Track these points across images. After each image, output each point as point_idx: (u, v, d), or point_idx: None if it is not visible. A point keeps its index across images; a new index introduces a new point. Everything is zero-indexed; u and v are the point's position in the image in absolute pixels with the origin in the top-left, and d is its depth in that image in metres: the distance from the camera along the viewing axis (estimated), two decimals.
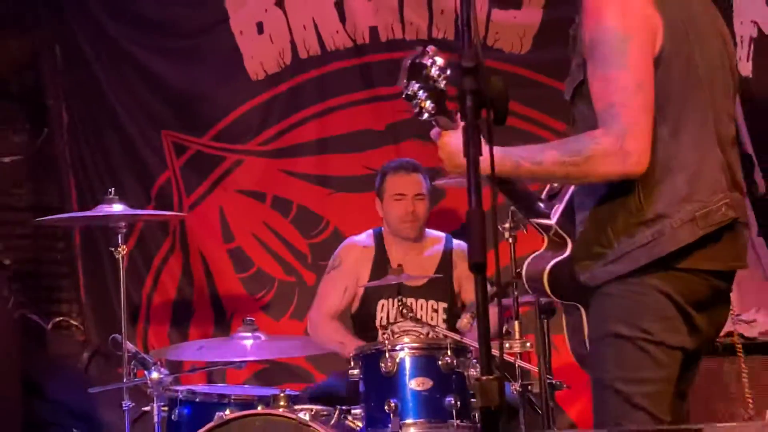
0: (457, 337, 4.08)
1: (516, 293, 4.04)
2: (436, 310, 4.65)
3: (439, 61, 2.48)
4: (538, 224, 2.85)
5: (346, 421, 3.97)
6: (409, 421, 3.83)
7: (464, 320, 4.25)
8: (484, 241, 1.86)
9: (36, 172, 5.76)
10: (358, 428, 3.96)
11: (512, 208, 4.16)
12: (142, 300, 5.56)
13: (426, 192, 4.70)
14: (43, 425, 5.17)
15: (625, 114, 2.51)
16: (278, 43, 5.51)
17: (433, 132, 2.69)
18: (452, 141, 2.61)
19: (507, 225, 4.15)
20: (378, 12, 5.42)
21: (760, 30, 4.75)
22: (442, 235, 4.81)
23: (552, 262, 2.75)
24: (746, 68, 4.83)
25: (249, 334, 4.10)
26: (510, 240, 4.16)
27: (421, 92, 2.52)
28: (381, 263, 4.67)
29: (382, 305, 4.64)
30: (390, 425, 3.81)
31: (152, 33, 5.64)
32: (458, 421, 3.80)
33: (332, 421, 3.93)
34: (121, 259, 4.36)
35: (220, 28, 5.54)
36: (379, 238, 4.77)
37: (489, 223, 1.93)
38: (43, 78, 5.73)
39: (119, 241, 4.37)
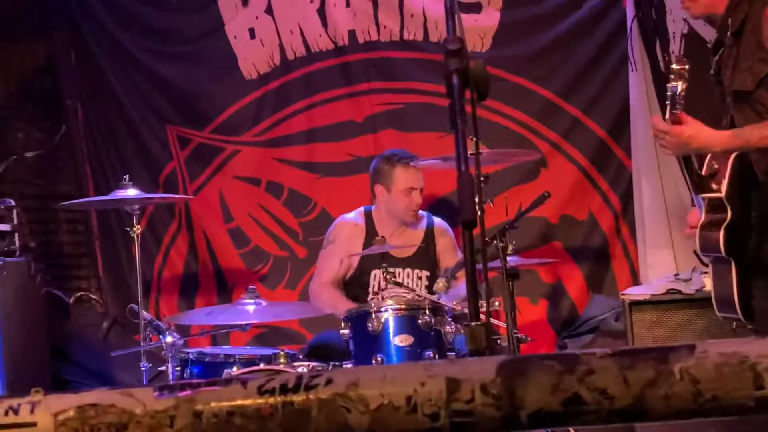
0: (434, 299, 4.07)
1: (485, 259, 4.02)
2: (420, 278, 4.65)
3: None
4: (705, 198, 3.04)
5: None
6: None
7: (440, 284, 4.23)
8: (474, 199, 1.83)
9: (56, 165, 5.69)
10: None
11: (481, 185, 4.14)
12: (153, 274, 5.52)
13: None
14: (69, 385, 5.12)
15: None
16: (268, 46, 5.46)
17: (662, 122, 3.01)
18: (688, 130, 2.93)
19: (476, 199, 4.13)
20: (355, 17, 5.38)
21: (690, 27, 4.74)
22: (423, 213, 4.79)
23: (724, 227, 2.95)
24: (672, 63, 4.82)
25: (252, 301, 4.07)
26: (479, 212, 4.13)
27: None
28: (371, 239, 4.62)
29: (375, 275, 4.62)
30: None
31: (156, 39, 5.58)
32: None
33: None
34: (136, 237, 4.31)
35: (217, 34, 5.48)
36: (368, 217, 4.74)
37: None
38: (60, 80, 5.66)
39: (134, 222, 4.32)
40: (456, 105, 1.93)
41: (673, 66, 2.97)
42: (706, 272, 4.02)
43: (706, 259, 3.06)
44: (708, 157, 3.03)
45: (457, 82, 1.95)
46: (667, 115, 2.99)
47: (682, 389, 1.02)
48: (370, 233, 4.67)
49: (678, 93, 2.93)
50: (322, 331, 4.69)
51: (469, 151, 4.40)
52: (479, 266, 3.93)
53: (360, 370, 1.10)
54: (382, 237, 4.30)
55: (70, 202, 4.62)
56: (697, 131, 2.92)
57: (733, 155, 2.97)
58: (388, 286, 4.14)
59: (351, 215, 4.79)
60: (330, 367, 3.98)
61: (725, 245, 2.93)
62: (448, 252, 4.67)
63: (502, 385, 1.03)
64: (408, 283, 4.49)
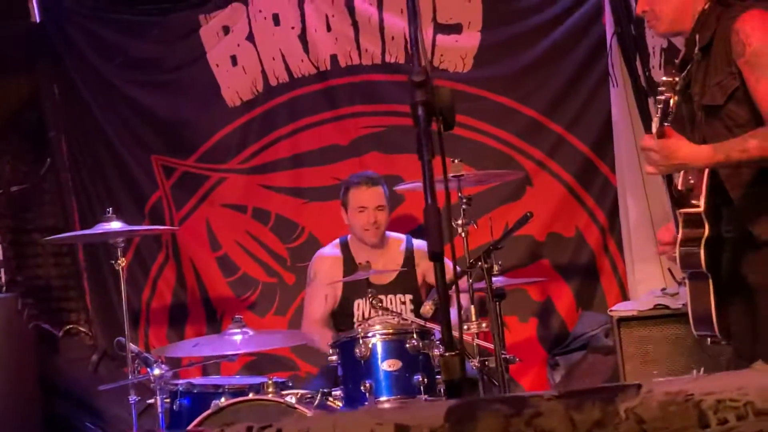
0: (421, 322, 4.07)
1: (471, 281, 4.03)
2: (404, 303, 4.64)
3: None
4: (682, 213, 3.03)
5: (328, 402, 3.95)
6: (383, 398, 3.83)
7: (426, 307, 4.23)
8: (441, 232, 1.84)
9: (42, 198, 5.69)
10: (338, 407, 3.94)
11: (463, 206, 4.17)
12: (141, 305, 5.51)
13: (386, 202, 4.68)
14: (60, 419, 5.10)
15: None
16: (251, 73, 5.47)
17: (649, 138, 2.99)
18: (673, 144, 2.92)
19: (460, 221, 4.14)
20: (337, 42, 5.40)
21: (669, 41, 4.76)
22: (403, 236, 4.80)
23: (703, 243, 2.96)
24: (659, 75, 4.85)
25: (238, 330, 4.05)
26: (463, 234, 4.16)
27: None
28: (350, 268, 4.65)
29: (358, 304, 4.64)
30: (366, 403, 3.79)
31: (139, 69, 5.58)
32: (426, 396, 3.80)
33: (315, 403, 3.91)
34: (120, 270, 4.30)
35: (199, 62, 5.50)
36: (345, 246, 4.76)
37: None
38: (44, 114, 5.66)
39: (118, 255, 4.32)
40: (422, 136, 1.94)
41: (664, 78, 2.98)
42: None
43: (683, 276, 3.05)
44: (683, 173, 3.03)
45: (423, 112, 1.96)
46: (655, 128, 2.99)
47: (627, 429, 1.02)
48: (348, 262, 4.69)
49: (669, 105, 2.94)
50: (318, 365, 4.69)
51: (452, 174, 4.43)
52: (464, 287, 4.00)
53: (311, 419, 1.10)
54: (367, 262, 4.30)
55: (53, 237, 4.62)
56: (680, 146, 2.93)
57: (707, 171, 2.99)
58: (379, 312, 4.13)
59: (327, 249, 4.82)
60: (319, 394, 3.98)
61: (706, 261, 2.93)
62: (432, 273, 4.64)
63: (451, 430, 1.03)
64: (369, 295, 4.45)
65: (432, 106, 1.99)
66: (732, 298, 2.99)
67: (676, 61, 3.22)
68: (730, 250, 2.99)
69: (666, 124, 2.94)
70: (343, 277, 4.62)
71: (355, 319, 4.61)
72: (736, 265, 2.99)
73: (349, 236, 4.76)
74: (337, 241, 4.79)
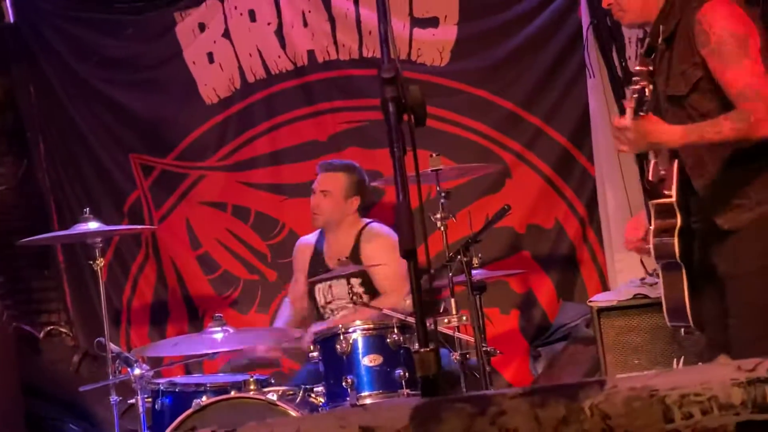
0: (401, 316, 4.05)
1: (450, 274, 4.03)
2: (351, 285, 4.62)
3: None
4: (654, 204, 3.04)
5: (310, 398, 3.95)
6: (365, 393, 3.84)
7: (408, 301, 4.24)
8: (413, 228, 1.83)
9: (20, 200, 5.65)
10: (320, 403, 3.94)
11: (442, 200, 4.17)
12: (122, 305, 5.49)
13: (335, 189, 4.69)
14: (42, 420, 5.08)
15: (764, 88, 2.90)
16: (228, 70, 5.45)
17: (623, 118, 2.99)
18: (648, 124, 2.94)
19: (438, 215, 4.14)
20: (314, 37, 5.38)
21: (645, 31, 4.76)
22: (365, 221, 4.79)
23: (677, 233, 2.96)
24: (635, 65, 4.85)
25: (219, 329, 4.05)
26: (442, 228, 4.15)
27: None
28: (315, 255, 4.80)
29: (319, 289, 4.71)
30: (348, 398, 3.79)
31: (115, 68, 5.55)
32: (408, 390, 3.81)
33: (297, 400, 3.91)
34: (99, 270, 4.29)
35: (175, 60, 5.47)
36: (321, 234, 4.84)
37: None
38: (20, 115, 5.62)
39: (97, 255, 4.30)
40: (393, 132, 1.93)
41: (638, 67, 2.99)
42: None
43: (656, 266, 3.06)
44: (653, 163, 3.04)
45: (393, 109, 1.95)
46: (629, 117, 2.99)
47: (592, 426, 1.01)
48: (316, 250, 4.81)
49: (645, 94, 2.95)
50: (301, 362, 4.73)
51: (430, 168, 4.42)
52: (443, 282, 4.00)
53: (274, 423, 1.10)
54: (346, 258, 4.32)
55: (29, 239, 4.57)
56: (654, 126, 2.93)
57: (676, 162, 2.99)
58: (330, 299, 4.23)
59: (306, 237, 4.95)
60: (301, 391, 3.97)
61: (679, 250, 2.94)
62: (380, 256, 4.54)
63: (415, 431, 1.03)
64: (348, 292, 4.47)
65: (402, 103, 1.99)
66: (704, 288, 3.00)
67: (641, 50, 3.23)
68: (699, 240, 3.01)
69: (641, 113, 2.95)
70: (309, 263, 4.79)
71: (319, 304, 4.70)
72: (706, 254, 3.01)
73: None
74: (320, 230, 4.86)
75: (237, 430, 1.11)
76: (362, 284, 4.63)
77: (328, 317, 4.62)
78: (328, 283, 4.66)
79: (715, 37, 2.98)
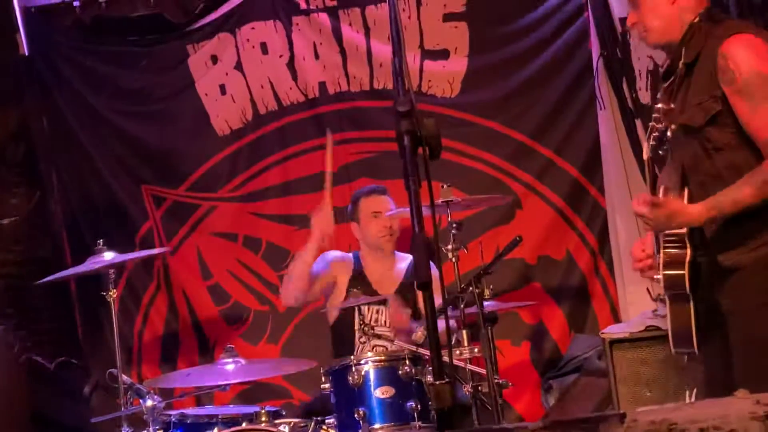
0: (413, 348, 4.06)
1: (462, 305, 4.04)
2: (363, 317, 4.63)
3: None
4: (665, 234, 3.01)
5: (321, 430, 3.94)
6: (376, 425, 3.82)
7: (418, 333, 4.26)
8: (428, 261, 1.85)
9: (32, 230, 5.66)
10: None
11: (453, 231, 4.18)
12: (134, 336, 5.50)
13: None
14: None
15: None
16: (239, 101, 5.50)
17: (642, 203, 2.98)
18: (666, 213, 2.93)
19: (450, 246, 4.15)
20: (325, 69, 5.43)
21: (654, 63, 4.80)
22: (409, 255, 4.81)
23: (687, 265, 2.96)
24: (645, 97, 4.89)
25: (230, 360, 4.05)
26: (453, 259, 4.16)
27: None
28: (358, 275, 4.75)
29: (368, 308, 4.68)
30: (360, 430, 3.79)
31: (128, 100, 5.60)
32: (420, 423, 3.79)
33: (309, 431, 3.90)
34: (112, 302, 4.29)
35: (188, 92, 5.52)
36: (357, 257, 4.84)
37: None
38: (33, 146, 5.65)
39: (110, 286, 4.31)
40: (409, 166, 1.95)
41: (660, 105, 2.99)
42: None
43: (664, 296, 3.04)
44: (662, 192, 3.02)
45: (409, 142, 1.97)
46: (646, 154, 3.00)
47: None
48: (358, 270, 4.77)
49: (666, 135, 2.95)
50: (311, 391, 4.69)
51: (441, 199, 4.45)
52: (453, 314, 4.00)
53: None
54: (359, 289, 4.33)
55: (47, 279, 4.55)
56: (673, 214, 2.93)
57: (686, 191, 2.98)
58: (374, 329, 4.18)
59: (340, 253, 4.89)
60: (312, 423, 3.97)
61: (689, 283, 2.93)
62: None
63: None
64: (359, 323, 4.47)
65: (418, 136, 2.01)
66: (708, 324, 2.99)
67: (661, 69, 3.21)
68: (704, 274, 3.00)
69: (661, 152, 2.96)
70: (350, 280, 4.73)
71: (355, 326, 4.63)
72: (710, 289, 3.00)
73: (360, 251, 4.83)
74: (349, 253, 4.88)
75: None
76: (413, 316, 4.62)
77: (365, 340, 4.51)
78: (376, 307, 4.64)
79: (741, 78, 2.93)
